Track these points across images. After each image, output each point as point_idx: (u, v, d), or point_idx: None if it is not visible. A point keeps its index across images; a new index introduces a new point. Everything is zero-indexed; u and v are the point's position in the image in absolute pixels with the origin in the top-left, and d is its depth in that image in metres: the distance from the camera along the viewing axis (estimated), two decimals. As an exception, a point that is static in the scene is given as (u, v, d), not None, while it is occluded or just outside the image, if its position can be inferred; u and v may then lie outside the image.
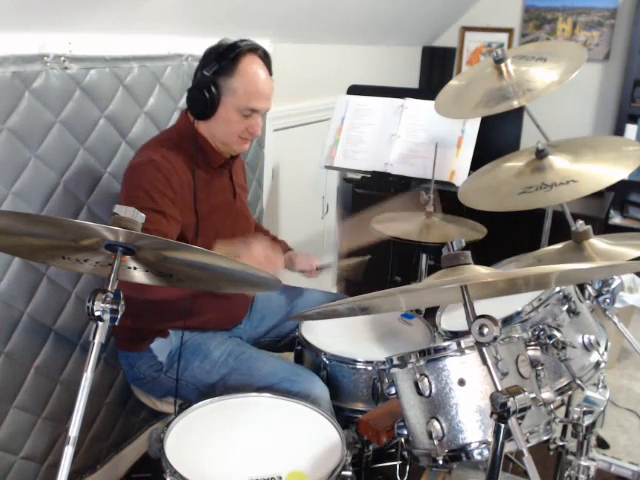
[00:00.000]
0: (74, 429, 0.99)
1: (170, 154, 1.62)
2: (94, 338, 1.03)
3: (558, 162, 1.64)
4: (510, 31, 4.10)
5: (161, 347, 1.71)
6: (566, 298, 1.45)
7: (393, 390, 1.32)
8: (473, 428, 1.19)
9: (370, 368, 1.62)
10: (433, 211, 2.12)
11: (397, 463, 1.84)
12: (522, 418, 1.03)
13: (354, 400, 1.66)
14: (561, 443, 1.62)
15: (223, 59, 1.61)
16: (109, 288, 1.05)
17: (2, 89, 1.47)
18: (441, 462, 1.21)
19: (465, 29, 4.24)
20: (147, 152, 1.63)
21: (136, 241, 1.06)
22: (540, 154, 1.66)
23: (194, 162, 1.66)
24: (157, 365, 1.71)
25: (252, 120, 1.67)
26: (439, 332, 1.63)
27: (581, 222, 1.64)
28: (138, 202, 1.50)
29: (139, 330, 1.71)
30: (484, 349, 1.05)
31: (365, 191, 3.16)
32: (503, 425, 1.02)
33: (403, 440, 1.30)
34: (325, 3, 2.63)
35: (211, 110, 1.63)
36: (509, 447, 1.06)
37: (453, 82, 1.99)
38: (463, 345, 1.22)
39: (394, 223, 2.17)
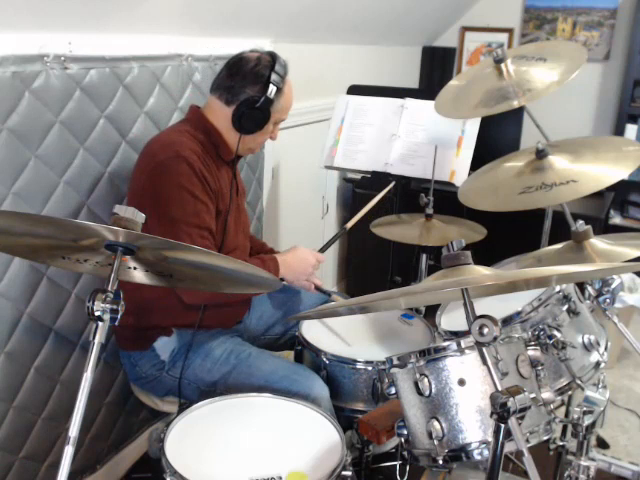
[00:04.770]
0: (74, 429, 0.99)
1: (194, 146, 1.62)
2: (94, 338, 1.04)
3: (558, 162, 1.64)
4: (510, 31, 4.10)
5: (164, 346, 1.71)
6: (566, 298, 1.45)
7: (393, 390, 1.32)
8: (473, 428, 1.19)
9: (370, 368, 1.63)
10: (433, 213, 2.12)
11: (397, 463, 1.84)
12: (522, 418, 1.03)
13: (354, 400, 1.66)
14: (561, 443, 1.63)
15: (277, 82, 1.65)
16: (109, 288, 1.05)
17: (2, 89, 1.46)
18: (441, 462, 1.21)
19: (465, 29, 4.24)
20: (170, 146, 1.60)
21: (136, 241, 1.06)
22: (540, 154, 1.66)
23: (234, 160, 1.74)
24: (160, 364, 1.71)
25: (276, 126, 1.78)
26: (439, 332, 1.63)
27: (581, 222, 1.64)
28: (185, 204, 1.57)
29: (143, 329, 1.71)
30: (484, 349, 1.05)
31: (365, 191, 3.17)
32: (503, 425, 1.02)
33: (403, 440, 1.30)
34: (325, 3, 2.62)
35: (262, 128, 1.70)
36: (509, 447, 1.06)
37: (453, 82, 1.99)
38: (463, 345, 1.22)
39: (393, 227, 2.17)
